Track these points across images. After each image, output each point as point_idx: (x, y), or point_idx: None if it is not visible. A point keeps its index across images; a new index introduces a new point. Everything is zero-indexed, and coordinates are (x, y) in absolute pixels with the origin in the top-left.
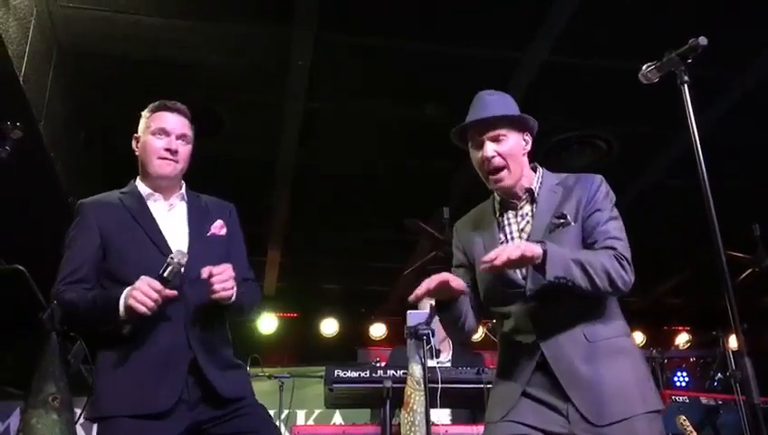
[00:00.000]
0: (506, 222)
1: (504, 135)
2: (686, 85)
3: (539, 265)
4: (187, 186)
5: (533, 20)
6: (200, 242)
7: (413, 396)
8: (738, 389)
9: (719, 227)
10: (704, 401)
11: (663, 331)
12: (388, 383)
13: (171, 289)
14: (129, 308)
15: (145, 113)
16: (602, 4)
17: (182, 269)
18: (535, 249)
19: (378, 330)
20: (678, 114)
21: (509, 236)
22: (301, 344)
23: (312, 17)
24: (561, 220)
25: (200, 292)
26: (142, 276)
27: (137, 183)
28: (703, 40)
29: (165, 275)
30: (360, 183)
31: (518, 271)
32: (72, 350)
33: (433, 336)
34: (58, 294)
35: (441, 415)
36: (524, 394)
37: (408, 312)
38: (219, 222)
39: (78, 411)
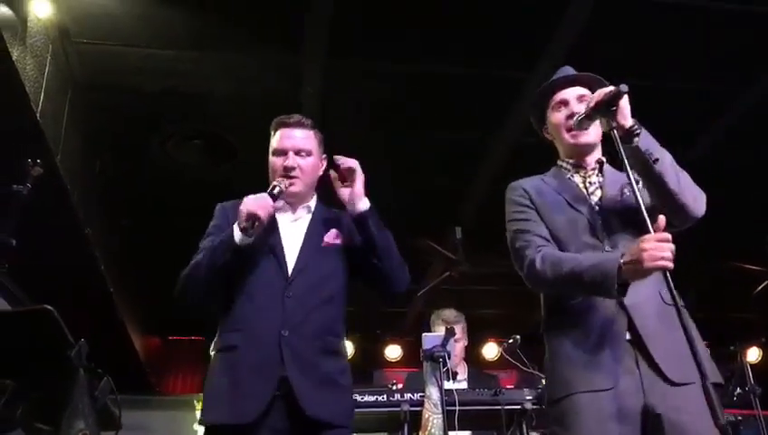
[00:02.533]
0: (578, 181)
1: (588, 98)
2: (614, 131)
3: (628, 133)
4: (319, 199)
5: (540, 39)
6: (311, 253)
7: (431, 419)
8: (758, 403)
9: (732, 241)
10: None
11: None
12: (406, 407)
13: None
14: (246, 215)
15: (271, 133)
16: (610, 23)
17: (285, 189)
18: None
19: (393, 351)
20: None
21: (586, 193)
22: None
23: (321, 45)
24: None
25: (302, 306)
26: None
27: None
28: (624, 87)
29: (274, 192)
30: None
31: (594, 229)
32: (99, 386)
33: (449, 358)
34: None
35: None
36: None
37: (424, 335)
38: (333, 231)
39: None
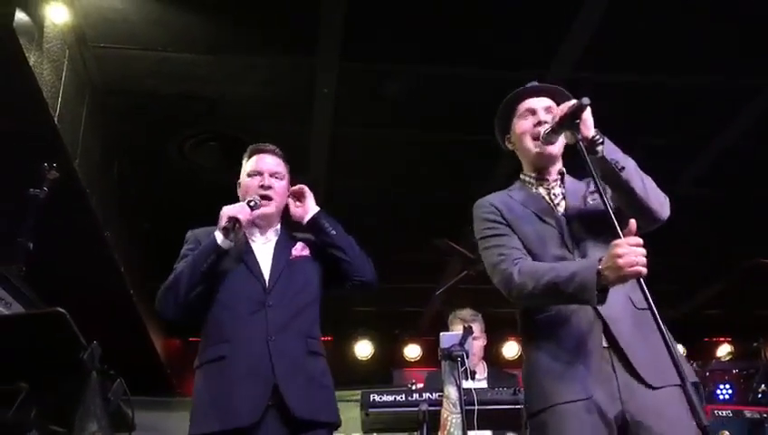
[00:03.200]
0: (543, 193)
1: (553, 110)
2: (580, 142)
3: (591, 143)
4: (284, 226)
5: (554, 39)
6: (283, 265)
7: (449, 419)
8: None
9: (758, 235)
10: (748, 414)
11: (703, 343)
12: (425, 407)
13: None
14: (227, 217)
15: (244, 160)
16: (624, 21)
17: (260, 203)
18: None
19: (412, 351)
20: (706, 125)
21: (552, 205)
22: (335, 367)
23: (335, 46)
24: (596, 194)
25: (283, 313)
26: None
27: None
28: (586, 100)
29: (251, 204)
30: (389, 206)
31: (563, 240)
32: (112, 388)
33: (467, 357)
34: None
35: None
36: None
37: (442, 334)
38: (300, 244)
39: None
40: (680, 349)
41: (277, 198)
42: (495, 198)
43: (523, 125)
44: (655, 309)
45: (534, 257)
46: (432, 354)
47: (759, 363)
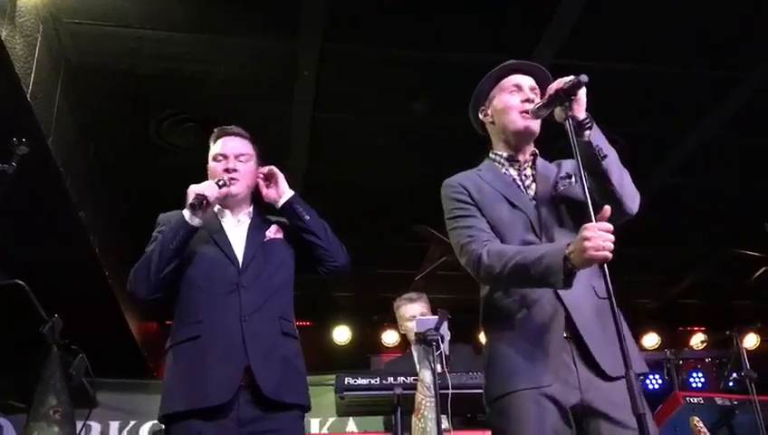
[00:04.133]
0: (514, 175)
1: (537, 92)
2: (569, 120)
3: (580, 125)
4: (257, 207)
5: (538, 23)
6: (257, 247)
7: (423, 402)
8: (753, 389)
9: (734, 226)
10: (719, 401)
11: (678, 332)
12: (399, 390)
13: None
14: (195, 195)
15: (211, 143)
16: (607, 7)
17: (228, 182)
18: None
19: (390, 337)
20: (687, 114)
21: (522, 187)
22: (313, 352)
23: (318, 29)
24: (567, 180)
25: (256, 294)
26: None
27: None
28: (584, 77)
29: (218, 183)
30: (370, 191)
31: (531, 225)
32: (74, 363)
33: (443, 342)
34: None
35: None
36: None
37: (417, 318)
38: (274, 227)
39: (79, 424)
40: (654, 339)
41: (243, 179)
42: (465, 177)
43: (508, 100)
44: (613, 299)
45: (503, 240)
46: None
47: (731, 352)
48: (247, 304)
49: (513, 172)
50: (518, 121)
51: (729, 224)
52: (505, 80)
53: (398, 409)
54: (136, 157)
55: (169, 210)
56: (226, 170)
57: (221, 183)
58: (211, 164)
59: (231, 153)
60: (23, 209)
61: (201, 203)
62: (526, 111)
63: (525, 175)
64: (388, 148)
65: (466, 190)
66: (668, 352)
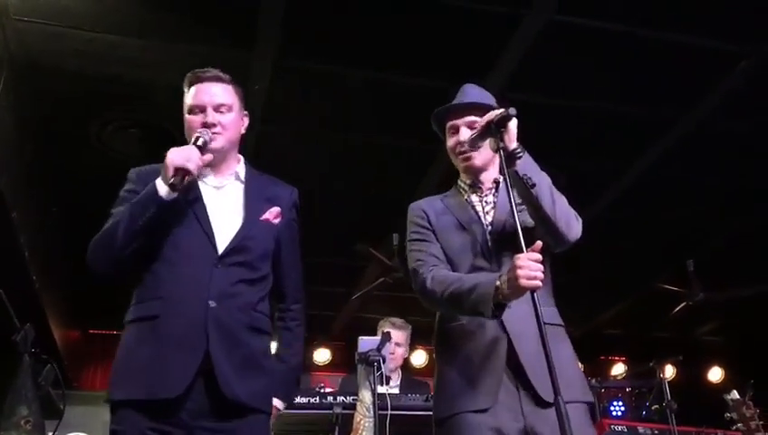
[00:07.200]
0: (475, 202)
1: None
2: (501, 151)
3: (511, 155)
4: (249, 172)
5: (486, 59)
6: (250, 226)
7: (362, 423)
8: (673, 419)
9: (657, 261)
10: (641, 430)
11: (600, 361)
12: (338, 410)
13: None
14: (174, 169)
15: (185, 89)
16: (546, 46)
17: (210, 137)
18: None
19: (322, 355)
20: (625, 151)
21: (480, 214)
22: None
23: (273, 44)
24: (522, 207)
25: (231, 278)
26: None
27: None
28: (512, 110)
29: (198, 144)
30: (311, 209)
31: (483, 251)
32: (43, 373)
33: (384, 363)
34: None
35: None
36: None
37: (360, 338)
38: (276, 209)
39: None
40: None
41: (226, 133)
42: (428, 202)
43: (448, 143)
44: (544, 327)
45: (456, 266)
46: (342, 359)
47: (653, 383)
48: (216, 287)
49: (474, 199)
50: (459, 164)
51: (655, 257)
52: (446, 122)
53: (336, 428)
54: (74, 160)
55: (101, 216)
56: (205, 125)
57: (201, 142)
58: (187, 117)
59: (209, 103)
60: None
61: (182, 180)
62: (462, 153)
63: (486, 202)
64: (332, 166)
65: (426, 215)
66: (594, 380)
